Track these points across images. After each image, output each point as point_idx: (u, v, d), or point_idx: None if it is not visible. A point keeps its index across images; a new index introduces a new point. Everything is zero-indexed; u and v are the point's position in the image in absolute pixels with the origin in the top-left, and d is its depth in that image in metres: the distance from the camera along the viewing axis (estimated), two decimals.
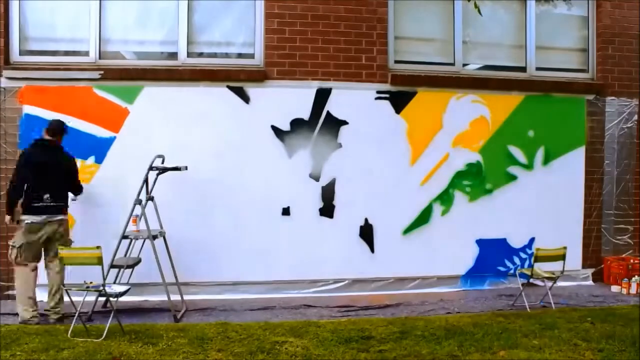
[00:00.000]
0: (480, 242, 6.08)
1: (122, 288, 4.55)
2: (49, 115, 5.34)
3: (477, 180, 6.08)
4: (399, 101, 5.94)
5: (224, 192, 5.64)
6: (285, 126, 5.76)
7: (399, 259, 5.92)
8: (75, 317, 4.32)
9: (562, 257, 5.24)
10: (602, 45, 6.39)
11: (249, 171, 5.68)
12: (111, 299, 4.45)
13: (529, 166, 6.21)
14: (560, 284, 6.17)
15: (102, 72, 5.50)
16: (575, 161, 6.29)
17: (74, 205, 5.39)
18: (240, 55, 5.93)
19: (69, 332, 4.24)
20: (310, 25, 5.77)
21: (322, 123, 5.80)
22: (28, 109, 5.43)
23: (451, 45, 6.20)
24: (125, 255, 5.09)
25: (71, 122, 5.39)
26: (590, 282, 6.31)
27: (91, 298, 4.70)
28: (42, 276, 4.90)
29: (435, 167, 6.00)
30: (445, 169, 6.02)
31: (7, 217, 4.85)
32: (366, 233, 5.88)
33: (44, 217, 4.70)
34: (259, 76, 5.72)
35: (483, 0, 6.18)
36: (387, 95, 5.91)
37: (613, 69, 6.38)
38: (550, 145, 6.23)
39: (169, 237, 5.16)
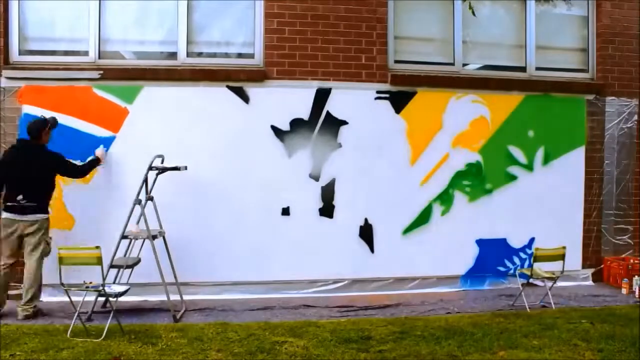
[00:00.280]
0: (480, 242, 6.08)
1: (122, 288, 4.55)
2: (49, 115, 5.33)
3: (477, 180, 6.08)
4: (399, 101, 5.93)
5: (223, 192, 5.63)
6: (285, 126, 5.75)
7: (399, 259, 5.91)
8: (74, 317, 4.32)
9: (562, 257, 5.24)
10: (602, 45, 6.38)
11: (249, 171, 5.67)
12: (110, 299, 4.45)
13: (529, 166, 6.20)
14: (560, 284, 6.17)
15: (101, 72, 5.49)
16: (575, 161, 6.29)
17: (74, 205, 5.41)
18: (240, 55, 5.93)
19: (69, 332, 4.24)
20: (310, 25, 5.76)
21: (321, 123, 5.80)
22: (27, 109, 5.42)
23: (451, 45, 6.20)
24: (125, 255, 5.09)
25: (70, 122, 5.40)
26: (590, 282, 6.31)
27: (91, 298, 4.69)
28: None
29: (435, 167, 6.00)
30: (445, 169, 6.02)
31: None
32: (366, 233, 5.88)
33: (17, 215, 4.77)
34: (258, 76, 5.72)
35: (483, 0, 6.19)
36: (387, 95, 5.91)
37: (613, 69, 6.38)
38: (550, 145, 6.22)
39: (168, 237, 5.15)
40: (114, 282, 4.91)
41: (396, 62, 6.07)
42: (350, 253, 5.84)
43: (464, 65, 6.24)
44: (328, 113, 5.81)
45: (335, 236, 5.82)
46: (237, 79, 5.68)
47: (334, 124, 5.82)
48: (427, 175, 5.98)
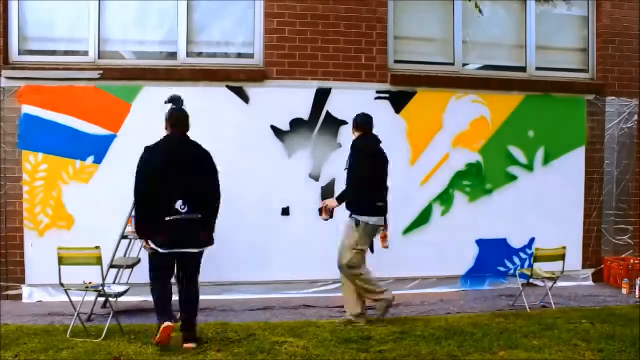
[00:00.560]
0: (480, 242, 6.07)
1: (121, 288, 4.55)
2: (48, 114, 5.34)
3: (477, 180, 6.07)
4: (399, 101, 5.93)
5: (223, 191, 5.58)
6: (284, 126, 5.75)
7: (399, 259, 5.89)
8: (74, 317, 4.31)
9: (562, 257, 5.24)
10: (602, 45, 6.38)
11: (248, 171, 5.67)
12: (110, 299, 4.45)
13: (529, 166, 6.20)
14: (560, 284, 6.16)
15: (101, 71, 5.49)
16: (575, 161, 6.28)
17: (73, 205, 5.40)
18: (239, 55, 5.92)
19: (68, 332, 4.23)
20: (310, 24, 5.76)
21: (321, 123, 5.80)
22: (27, 109, 5.42)
23: (451, 45, 6.19)
24: (125, 255, 5.08)
25: (70, 121, 5.40)
26: (590, 282, 6.31)
27: (90, 298, 4.69)
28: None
29: (435, 167, 5.99)
30: (445, 169, 6.01)
31: None
32: None
33: None
34: (258, 76, 5.71)
35: (483, 0, 6.19)
36: (386, 95, 5.91)
37: (613, 69, 6.38)
38: (550, 145, 6.22)
39: None
40: (113, 282, 4.91)
41: (396, 62, 6.07)
42: None
43: (464, 65, 6.24)
44: (328, 113, 5.81)
45: (335, 236, 5.80)
46: (237, 79, 5.67)
47: (333, 124, 5.82)
48: (427, 175, 5.98)
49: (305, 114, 5.78)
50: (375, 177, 4.69)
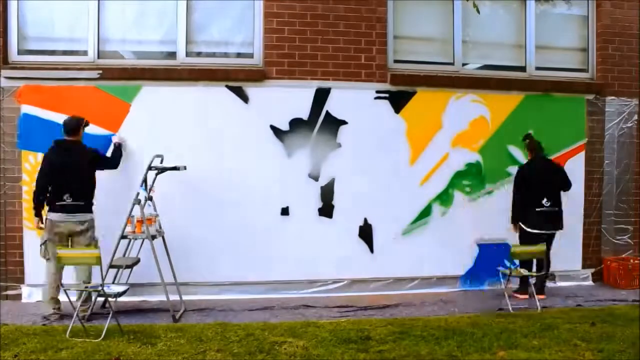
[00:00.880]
0: (479, 243, 6.07)
1: (121, 288, 4.54)
2: (47, 114, 5.33)
3: (476, 180, 6.07)
4: (399, 101, 5.92)
5: (222, 192, 5.63)
6: (284, 126, 5.74)
7: (398, 259, 5.90)
8: (73, 318, 4.31)
9: (542, 254, 5.28)
10: (602, 44, 6.38)
11: (248, 171, 5.66)
12: (110, 299, 4.44)
13: None
14: (560, 284, 6.19)
15: (100, 71, 5.48)
16: (575, 161, 6.28)
17: None
18: (239, 55, 5.92)
19: (68, 332, 4.23)
20: (310, 24, 5.75)
21: (321, 123, 5.79)
22: (26, 109, 5.42)
23: (451, 44, 6.19)
24: (124, 255, 5.08)
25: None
26: (590, 282, 6.30)
27: None
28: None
29: (434, 167, 5.99)
30: (445, 168, 6.01)
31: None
32: (365, 233, 5.87)
33: (66, 215, 4.76)
34: (258, 76, 5.71)
35: (483, 0, 6.18)
36: (386, 95, 5.90)
37: (613, 69, 6.37)
38: (550, 144, 6.21)
39: (167, 237, 5.15)
40: (113, 282, 4.91)
41: (396, 61, 6.06)
42: (349, 253, 5.83)
43: (464, 65, 6.24)
44: (327, 113, 5.80)
45: (335, 236, 5.81)
46: (237, 79, 5.67)
47: (333, 124, 5.81)
48: (427, 175, 5.97)
49: (305, 114, 5.77)
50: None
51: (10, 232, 5.41)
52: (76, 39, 5.67)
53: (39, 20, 5.64)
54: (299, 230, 5.73)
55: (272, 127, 5.72)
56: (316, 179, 5.80)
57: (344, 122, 5.83)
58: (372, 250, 5.91)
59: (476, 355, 3.88)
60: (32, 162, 5.39)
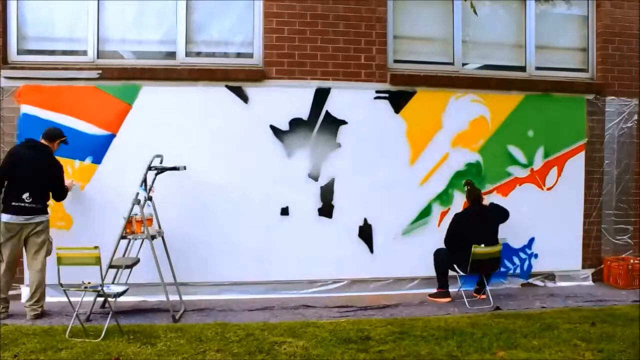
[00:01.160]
0: None
1: (121, 288, 4.53)
2: (47, 114, 5.33)
3: (476, 180, 6.06)
4: (398, 101, 5.92)
5: (222, 191, 5.62)
6: (284, 126, 5.74)
7: (398, 259, 5.90)
8: (73, 318, 4.31)
9: (498, 253, 5.33)
10: (602, 44, 6.37)
11: (248, 171, 5.66)
12: (109, 299, 4.44)
13: (528, 166, 6.19)
14: (560, 284, 6.19)
15: (100, 71, 5.48)
16: (575, 161, 6.27)
17: (72, 206, 5.39)
18: (239, 55, 5.92)
19: (67, 332, 4.22)
20: (309, 24, 5.75)
21: (321, 123, 5.79)
22: (26, 109, 5.42)
23: (450, 44, 6.19)
24: (124, 255, 5.08)
25: (69, 121, 5.39)
26: (590, 282, 6.30)
27: (89, 298, 4.68)
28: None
29: (434, 167, 5.99)
30: (445, 168, 6.01)
31: None
32: (365, 233, 5.87)
33: (22, 217, 4.75)
34: (257, 76, 5.71)
35: (483, 0, 6.18)
36: (386, 95, 5.90)
37: (613, 69, 6.37)
38: (550, 144, 6.21)
39: (167, 237, 5.14)
40: (112, 283, 4.90)
41: (395, 61, 6.06)
42: (349, 253, 5.83)
43: (464, 64, 6.24)
44: (327, 113, 5.80)
45: (335, 236, 5.81)
46: (236, 79, 5.67)
47: (333, 124, 5.81)
48: (427, 175, 5.97)
49: (304, 114, 5.77)
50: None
51: None
52: (76, 39, 5.67)
53: (39, 20, 5.64)
54: (298, 230, 5.73)
55: (272, 127, 5.72)
56: (316, 179, 5.80)
57: (343, 122, 5.82)
58: (372, 251, 5.90)
59: (476, 356, 3.88)
60: None
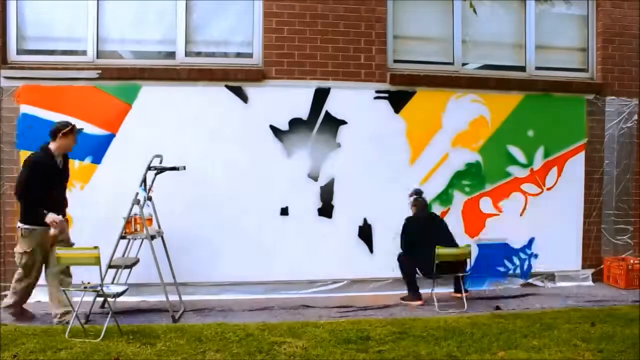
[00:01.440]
0: (479, 243, 6.06)
1: (120, 288, 4.53)
2: (46, 114, 5.33)
3: (476, 180, 6.06)
4: (398, 101, 5.92)
5: (222, 192, 5.62)
6: (283, 126, 5.74)
7: None
8: (72, 318, 4.30)
9: (468, 255, 5.30)
10: (602, 44, 6.37)
11: (247, 171, 5.66)
12: (109, 299, 4.43)
13: (528, 166, 6.19)
14: (560, 284, 6.19)
15: (99, 71, 5.48)
16: (574, 161, 6.27)
17: (72, 205, 5.37)
18: (238, 55, 5.92)
19: (67, 332, 4.21)
20: (309, 24, 5.75)
21: (320, 123, 5.79)
22: (25, 109, 5.41)
23: (450, 44, 6.18)
24: (123, 255, 5.08)
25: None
26: (590, 282, 6.29)
27: (89, 298, 4.67)
28: None
29: (434, 167, 5.98)
30: (445, 168, 6.01)
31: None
32: (365, 233, 5.87)
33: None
34: (257, 75, 5.70)
35: (483, 0, 6.18)
36: (386, 95, 5.90)
37: (613, 69, 6.37)
38: (550, 144, 6.21)
39: (166, 237, 5.14)
40: (112, 283, 4.90)
41: (395, 61, 6.06)
42: (349, 253, 5.82)
43: (464, 64, 6.23)
44: (327, 113, 5.80)
45: (334, 236, 5.81)
46: (236, 79, 5.67)
47: (333, 124, 5.81)
48: (427, 175, 5.97)
49: (304, 114, 5.77)
50: None
51: (10, 232, 5.41)
52: (75, 39, 5.67)
53: (38, 20, 5.64)
54: (298, 230, 5.72)
55: (272, 127, 5.72)
56: (316, 179, 5.80)
57: (343, 122, 5.82)
58: (371, 251, 5.90)
59: (476, 356, 3.87)
60: None
